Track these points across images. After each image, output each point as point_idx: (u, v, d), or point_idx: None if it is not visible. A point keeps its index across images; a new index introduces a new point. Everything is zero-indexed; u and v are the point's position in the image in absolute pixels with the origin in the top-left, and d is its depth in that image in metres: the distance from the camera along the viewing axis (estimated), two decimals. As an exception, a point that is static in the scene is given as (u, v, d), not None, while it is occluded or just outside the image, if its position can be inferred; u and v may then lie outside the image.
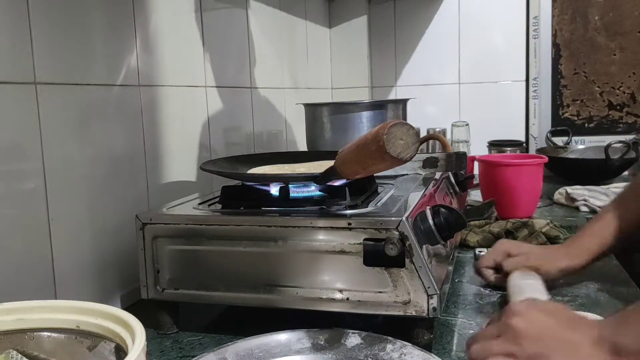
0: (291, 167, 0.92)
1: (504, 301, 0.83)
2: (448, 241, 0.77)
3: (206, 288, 0.75)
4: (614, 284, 0.89)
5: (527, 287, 0.79)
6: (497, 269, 0.91)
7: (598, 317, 0.72)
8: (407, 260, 0.67)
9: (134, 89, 0.93)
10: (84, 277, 0.82)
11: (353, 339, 0.67)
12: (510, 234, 1.12)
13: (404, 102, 1.20)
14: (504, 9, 1.97)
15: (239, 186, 0.86)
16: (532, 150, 1.95)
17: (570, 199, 1.47)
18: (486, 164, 1.33)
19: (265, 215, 0.74)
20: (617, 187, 1.56)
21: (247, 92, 1.35)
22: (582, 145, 1.93)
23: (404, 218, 0.67)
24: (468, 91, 2.04)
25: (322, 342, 0.68)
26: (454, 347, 0.71)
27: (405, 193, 0.83)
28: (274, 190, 0.80)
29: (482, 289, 0.90)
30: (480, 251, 1.05)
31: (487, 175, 1.33)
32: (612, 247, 0.87)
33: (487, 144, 1.86)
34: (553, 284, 0.86)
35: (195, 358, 0.64)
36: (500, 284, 0.89)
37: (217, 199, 0.84)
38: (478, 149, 1.87)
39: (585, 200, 1.42)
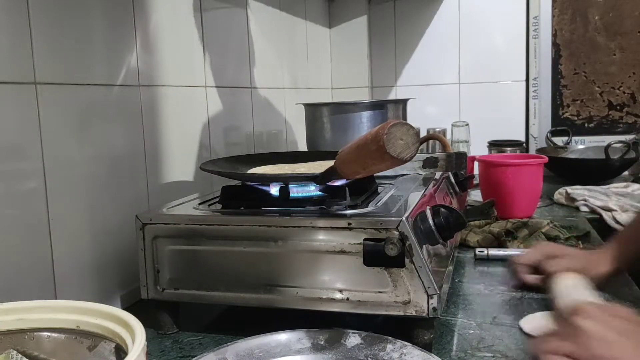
0: (291, 167, 0.92)
1: (550, 304, 0.80)
2: (448, 241, 0.77)
3: (206, 288, 0.75)
4: (614, 284, 0.89)
5: (577, 290, 0.77)
6: (535, 270, 0.88)
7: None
8: (407, 260, 0.67)
9: (134, 89, 0.93)
10: (84, 277, 0.82)
11: (353, 339, 0.67)
12: (510, 234, 1.13)
13: (404, 102, 1.20)
14: (504, 9, 1.97)
15: (239, 186, 0.86)
16: (532, 150, 1.95)
17: (570, 199, 1.47)
18: (486, 164, 1.33)
19: (265, 215, 0.74)
20: (617, 187, 1.57)
21: (247, 92, 1.35)
22: (582, 145, 1.93)
23: (404, 218, 0.67)
24: (468, 91, 2.04)
25: (322, 342, 0.68)
26: (454, 347, 0.71)
27: (405, 193, 0.83)
28: (274, 190, 0.80)
29: (483, 289, 0.90)
30: (481, 251, 1.06)
31: (487, 175, 1.33)
32: None
33: (487, 144, 1.86)
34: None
35: (195, 358, 0.64)
36: (538, 285, 0.86)
37: (217, 199, 0.84)
38: (478, 149, 1.87)
39: (585, 200, 1.42)
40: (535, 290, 0.87)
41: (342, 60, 2.01)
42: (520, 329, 0.74)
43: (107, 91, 0.87)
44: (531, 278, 0.89)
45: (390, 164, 0.61)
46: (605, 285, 0.86)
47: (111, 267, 0.87)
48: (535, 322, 0.76)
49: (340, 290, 0.70)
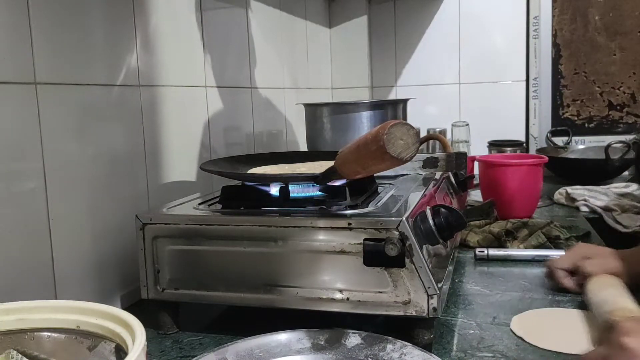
0: (291, 167, 0.92)
1: (584, 307, 0.79)
2: (448, 241, 0.77)
3: (206, 288, 0.75)
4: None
5: (613, 295, 0.74)
6: (571, 272, 0.86)
7: None
8: (407, 260, 0.67)
9: (134, 89, 0.93)
10: (84, 277, 0.82)
11: (353, 339, 0.67)
12: (510, 234, 1.13)
13: (404, 102, 1.20)
14: (504, 9, 1.97)
15: (239, 186, 0.86)
16: (532, 150, 1.95)
17: (570, 199, 1.47)
18: (486, 164, 1.33)
19: (265, 215, 0.74)
20: (617, 187, 1.57)
21: (247, 92, 1.35)
22: (582, 145, 1.93)
23: (404, 218, 0.67)
24: (468, 91, 2.04)
25: (322, 342, 0.68)
26: (454, 347, 0.70)
27: (405, 193, 0.83)
28: (274, 190, 0.80)
29: (482, 289, 0.90)
30: (481, 251, 1.06)
31: (487, 175, 1.33)
32: None
33: (487, 144, 1.86)
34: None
35: (195, 358, 0.64)
36: (575, 288, 0.85)
37: (217, 199, 0.84)
38: (478, 149, 1.87)
39: (585, 200, 1.42)
40: (575, 293, 0.85)
41: (342, 60, 2.01)
42: (511, 330, 0.74)
43: (107, 91, 0.87)
44: (569, 282, 0.86)
45: (390, 164, 0.61)
46: None
47: (111, 267, 0.87)
48: (526, 321, 0.76)
49: (340, 290, 0.70)
